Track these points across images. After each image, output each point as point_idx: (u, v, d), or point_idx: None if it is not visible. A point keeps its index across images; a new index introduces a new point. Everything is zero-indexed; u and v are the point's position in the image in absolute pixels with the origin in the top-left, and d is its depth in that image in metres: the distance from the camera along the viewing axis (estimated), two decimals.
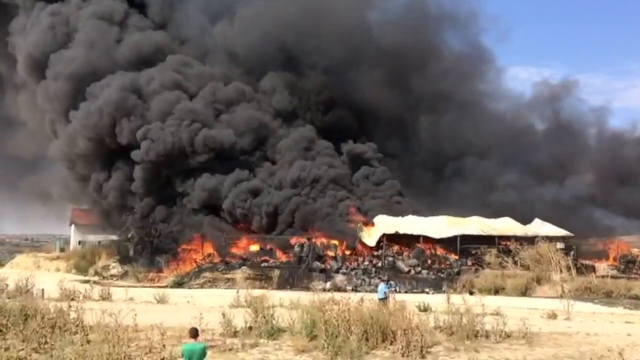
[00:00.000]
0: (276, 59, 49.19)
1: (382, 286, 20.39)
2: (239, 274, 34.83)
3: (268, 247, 40.03)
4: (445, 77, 53.09)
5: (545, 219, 40.86)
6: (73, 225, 59.38)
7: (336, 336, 12.50)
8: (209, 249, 40.94)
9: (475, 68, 57.58)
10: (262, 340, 13.58)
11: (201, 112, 45.55)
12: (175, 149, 44.25)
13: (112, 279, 38.88)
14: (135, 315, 11.84)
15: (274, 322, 14.36)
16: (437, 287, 32.88)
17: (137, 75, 47.78)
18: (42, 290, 20.91)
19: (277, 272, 34.81)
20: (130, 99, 46.39)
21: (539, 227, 39.81)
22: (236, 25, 49.97)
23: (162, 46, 49.61)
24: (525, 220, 40.72)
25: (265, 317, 14.43)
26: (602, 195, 47.22)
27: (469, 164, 48.96)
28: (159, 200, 45.69)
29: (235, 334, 13.93)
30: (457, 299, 16.24)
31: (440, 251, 38.77)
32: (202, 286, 34.63)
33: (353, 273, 35.03)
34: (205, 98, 47.14)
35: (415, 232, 38.48)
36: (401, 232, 38.56)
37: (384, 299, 18.35)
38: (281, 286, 32.73)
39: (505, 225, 40.13)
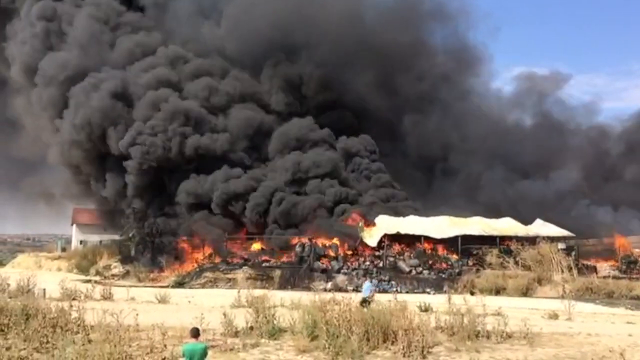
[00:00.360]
0: (268, 58, 48.84)
1: (367, 284, 20.05)
2: (240, 274, 34.87)
3: (266, 247, 40.10)
4: (435, 77, 52.86)
5: (535, 215, 40.95)
6: (74, 225, 59.46)
7: (337, 336, 12.49)
8: (209, 248, 40.98)
9: (466, 66, 57.48)
10: (263, 340, 13.57)
11: (193, 116, 44.97)
12: (165, 158, 44.01)
13: (113, 278, 38.85)
14: (137, 315, 11.84)
15: (275, 322, 14.36)
16: (438, 287, 32.90)
17: (125, 75, 47.01)
18: (44, 290, 20.91)
19: (278, 272, 34.82)
20: (117, 107, 45.76)
21: (540, 228, 39.81)
22: (224, 25, 49.58)
23: (155, 48, 49.09)
24: (526, 220, 40.72)
25: (266, 317, 14.42)
26: (589, 191, 47.30)
27: (459, 163, 48.93)
28: (155, 201, 45.54)
29: (236, 334, 13.92)
30: (458, 299, 16.23)
31: (441, 251, 38.76)
32: (203, 286, 34.67)
33: (354, 273, 35.03)
34: (198, 97, 46.60)
35: (417, 232, 38.48)
36: (402, 232, 38.56)
37: (369, 297, 18.08)
38: (282, 286, 32.76)
39: (506, 226, 40.13)
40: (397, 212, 41.65)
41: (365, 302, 17.20)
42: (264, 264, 36.74)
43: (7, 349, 11.25)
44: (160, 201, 45.32)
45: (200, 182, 43.45)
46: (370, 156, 47.49)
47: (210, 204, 42.95)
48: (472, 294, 25.82)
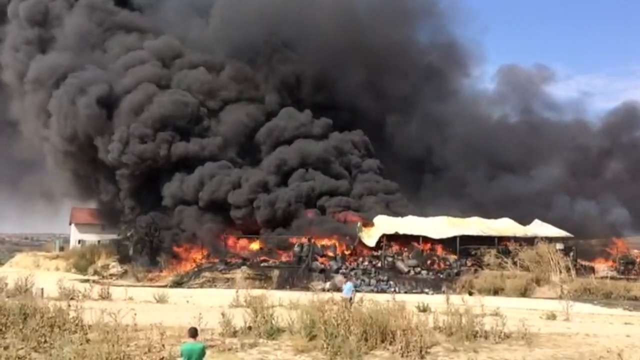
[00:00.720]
0: (260, 58, 48.28)
1: (349, 285, 20.25)
2: (239, 274, 34.85)
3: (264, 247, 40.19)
4: (422, 76, 52.43)
5: (519, 211, 41.15)
6: (73, 225, 59.38)
7: (335, 336, 12.49)
8: (205, 248, 41.00)
9: (455, 65, 57.20)
10: (261, 340, 13.58)
11: (180, 125, 44.42)
12: (155, 163, 43.95)
13: (111, 278, 38.89)
14: (135, 314, 11.85)
15: (273, 322, 14.36)
16: (436, 288, 32.93)
17: (111, 77, 46.13)
18: (42, 289, 20.92)
19: (276, 272, 34.82)
20: (104, 114, 45.11)
21: (539, 228, 39.85)
22: (212, 25, 49.05)
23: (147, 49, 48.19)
24: (524, 220, 40.79)
25: (264, 317, 14.43)
26: (575, 187, 47.49)
27: (444, 163, 48.83)
28: (149, 200, 45.37)
29: (234, 333, 13.93)
30: (456, 299, 16.26)
31: (440, 251, 38.79)
32: (201, 286, 34.66)
33: (353, 273, 35.03)
34: (190, 95, 45.79)
35: (415, 233, 38.49)
36: (401, 232, 38.58)
37: (350, 299, 18.18)
38: (281, 286, 32.76)
39: (504, 226, 40.16)
40: (388, 206, 41.84)
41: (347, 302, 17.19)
42: (262, 264, 36.74)
43: (5, 348, 11.25)
44: (153, 200, 45.27)
45: (185, 182, 43.20)
46: (362, 156, 47.35)
47: (197, 203, 42.86)
48: (470, 294, 25.90)
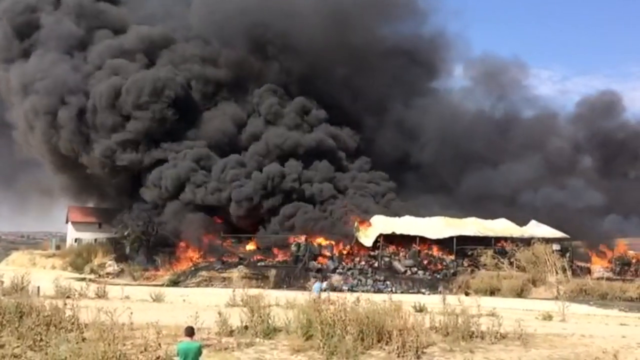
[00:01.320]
0: (247, 58, 48.05)
1: (317, 285, 20.69)
2: (236, 273, 34.87)
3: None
4: (405, 73, 52.02)
5: (503, 209, 41.44)
6: (69, 223, 59.21)
7: (332, 336, 12.49)
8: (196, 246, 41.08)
9: (439, 62, 57.08)
10: (257, 340, 13.56)
11: (157, 136, 44.60)
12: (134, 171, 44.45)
13: (108, 277, 38.82)
14: (131, 313, 11.85)
15: (270, 321, 14.35)
16: (433, 288, 32.99)
17: (89, 83, 45.68)
18: (38, 287, 20.83)
19: (273, 272, 34.82)
20: (83, 130, 45.08)
21: (535, 229, 39.91)
22: (194, 22, 48.80)
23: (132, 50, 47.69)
24: (521, 221, 40.85)
25: (261, 317, 14.41)
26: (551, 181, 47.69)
27: (424, 160, 48.74)
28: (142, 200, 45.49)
29: (231, 333, 13.91)
30: (452, 299, 16.26)
31: (436, 252, 38.83)
32: (198, 285, 34.66)
33: (349, 273, 35.06)
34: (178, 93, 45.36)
35: (412, 233, 38.52)
36: (398, 232, 38.60)
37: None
38: (277, 285, 32.77)
39: (501, 227, 40.22)
40: (378, 199, 42.63)
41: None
42: (259, 264, 36.74)
43: (1, 346, 11.24)
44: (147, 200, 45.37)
45: (164, 180, 43.30)
46: (350, 152, 47.35)
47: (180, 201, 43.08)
48: (466, 294, 25.91)
